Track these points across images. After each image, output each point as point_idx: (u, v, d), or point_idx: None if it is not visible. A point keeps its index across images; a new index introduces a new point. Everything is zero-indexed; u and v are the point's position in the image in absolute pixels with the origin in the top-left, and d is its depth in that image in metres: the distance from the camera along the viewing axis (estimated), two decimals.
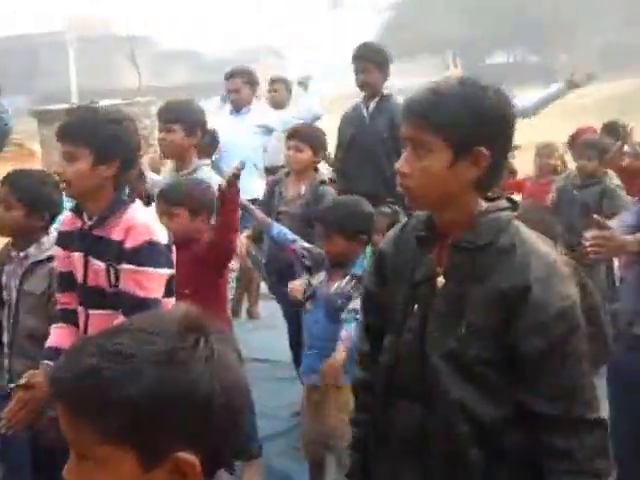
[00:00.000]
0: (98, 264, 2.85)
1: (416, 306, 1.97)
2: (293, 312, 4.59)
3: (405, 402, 1.99)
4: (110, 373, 1.14)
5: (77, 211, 2.95)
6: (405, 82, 7.94)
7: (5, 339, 3.46)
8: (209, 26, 60.80)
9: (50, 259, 3.31)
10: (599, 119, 7.89)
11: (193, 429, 1.16)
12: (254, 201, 5.62)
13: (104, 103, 9.93)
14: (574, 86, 6.22)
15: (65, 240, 3.01)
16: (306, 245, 4.09)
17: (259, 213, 4.37)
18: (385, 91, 5.52)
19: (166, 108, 4.55)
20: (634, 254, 3.20)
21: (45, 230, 3.46)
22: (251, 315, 7.23)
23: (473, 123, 1.83)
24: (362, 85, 5.52)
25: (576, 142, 6.09)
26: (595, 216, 3.25)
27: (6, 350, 3.45)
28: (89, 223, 2.88)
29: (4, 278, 3.48)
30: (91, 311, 2.91)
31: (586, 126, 6.08)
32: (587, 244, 3.13)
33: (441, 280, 1.92)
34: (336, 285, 3.77)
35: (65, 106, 8.71)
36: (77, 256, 2.92)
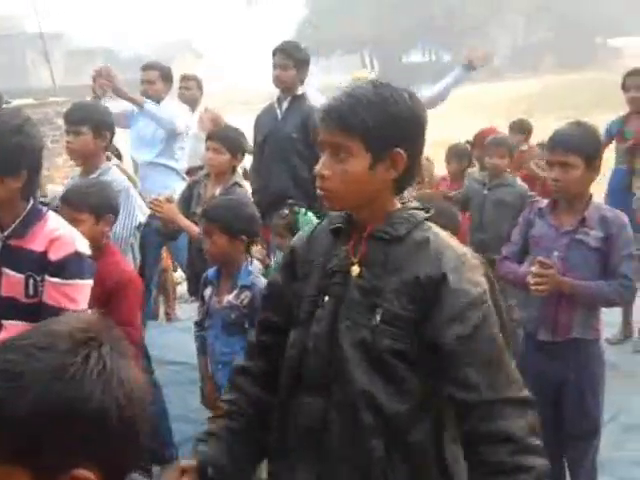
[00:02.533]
0: (14, 275, 2.80)
1: (327, 298, 1.97)
2: None
3: (309, 394, 1.99)
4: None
5: None
6: (322, 80, 7.98)
7: None
8: (124, 23, 59.90)
9: None
10: (506, 118, 8.08)
11: (88, 445, 1.15)
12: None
13: (17, 103, 9.73)
14: (472, 68, 6.31)
15: None
16: None
17: (195, 229, 4.38)
18: (299, 91, 5.55)
19: (72, 110, 4.36)
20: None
21: None
22: (169, 317, 7.19)
23: (390, 126, 1.88)
24: (276, 81, 5.55)
25: (480, 142, 6.09)
26: (539, 258, 3.35)
27: None
28: (4, 234, 2.81)
29: None
30: (5, 322, 2.84)
31: (488, 127, 6.15)
32: (531, 280, 3.29)
33: (356, 269, 1.94)
34: (225, 300, 3.73)
35: None
36: None
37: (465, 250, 1.96)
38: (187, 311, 6.76)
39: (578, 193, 3.36)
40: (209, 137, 4.91)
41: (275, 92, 5.67)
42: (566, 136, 3.33)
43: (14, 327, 2.77)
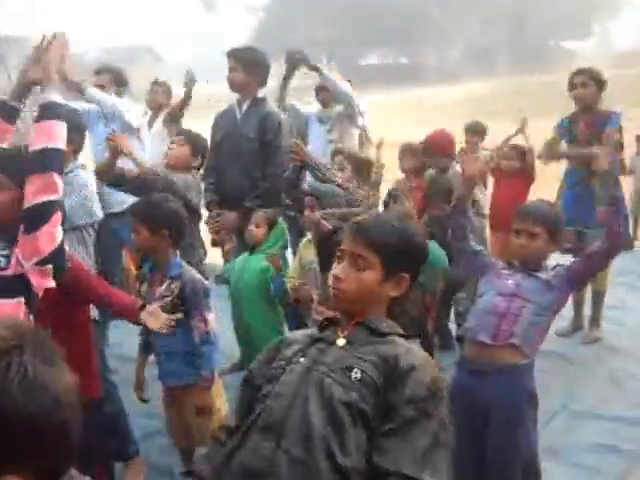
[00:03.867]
0: None
1: (302, 358, 2.20)
2: None
3: (261, 435, 2.08)
4: None
5: None
6: (278, 83, 8.03)
7: None
8: (83, 25, 59.38)
9: None
10: (462, 119, 8.19)
11: (16, 451, 1.16)
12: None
13: None
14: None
15: None
16: None
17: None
18: (259, 94, 5.64)
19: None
20: None
21: None
22: None
23: (404, 253, 2.26)
24: (228, 84, 5.65)
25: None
26: None
27: None
28: None
29: None
30: None
31: (438, 130, 6.11)
32: None
33: (342, 341, 2.22)
34: (157, 291, 3.85)
35: None
36: None
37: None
38: None
39: (537, 262, 3.64)
40: (179, 133, 5.09)
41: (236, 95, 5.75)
42: (536, 210, 3.66)
43: None
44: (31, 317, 2.94)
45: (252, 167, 5.47)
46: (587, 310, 6.55)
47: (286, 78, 6.52)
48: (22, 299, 2.88)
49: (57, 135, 2.84)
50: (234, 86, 5.62)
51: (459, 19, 45.57)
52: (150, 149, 6.70)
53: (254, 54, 5.71)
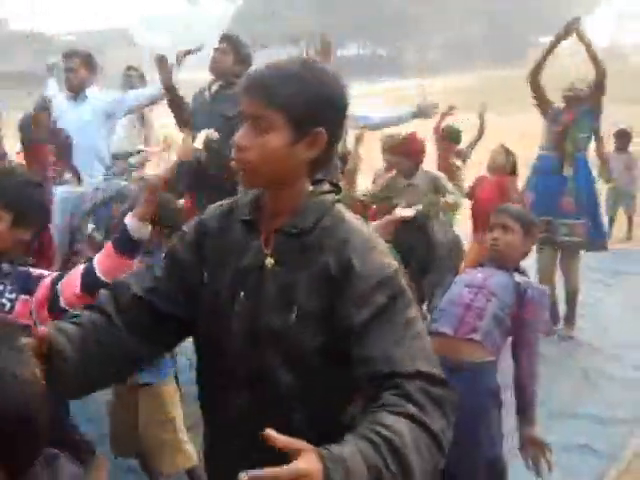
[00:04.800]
0: None
1: (242, 293, 1.92)
2: None
3: (234, 391, 1.94)
4: None
5: None
6: None
7: None
8: (55, 6, 58.84)
9: None
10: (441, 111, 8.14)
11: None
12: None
13: None
14: (422, 116, 6.64)
15: None
16: None
17: None
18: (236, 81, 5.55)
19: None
20: None
21: None
22: None
23: (315, 105, 1.84)
24: (213, 64, 5.59)
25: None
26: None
27: None
28: None
29: None
30: None
31: (412, 133, 6.07)
32: None
33: (270, 261, 1.90)
34: None
35: None
36: None
37: (373, 234, 1.93)
38: None
39: (510, 258, 3.58)
40: None
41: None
42: (511, 207, 3.74)
43: None
44: None
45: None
46: (562, 308, 6.55)
47: None
48: None
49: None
50: (219, 70, 5.54)
51: (439, 12, 45.64)
52: (120, 136, 6.62)
53: (245, 47, 5.67)
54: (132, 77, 7.49)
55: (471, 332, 3.37)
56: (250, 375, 1.90)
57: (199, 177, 5.15)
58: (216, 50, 5.53)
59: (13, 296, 2.80)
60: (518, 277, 3.51)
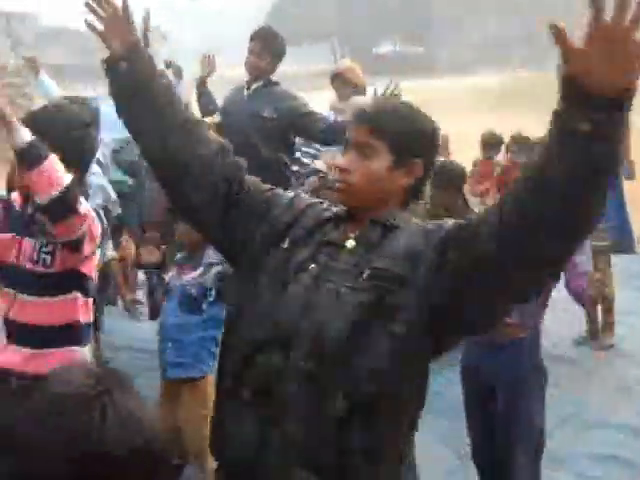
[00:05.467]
0: (29, 241, 2.87)
1: (313, 265, 2.01)
2: None
3: (269, 348, 1.98)
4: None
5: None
6: (291, 68, 7.94)
7: None
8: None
9: None
10: (475, 111, 8.10)
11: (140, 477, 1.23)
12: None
13: None
14: None
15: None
16: None
17: None
18: (273, 78, 5.49)
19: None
20: None
21: None
22: (127, 305, 7.14)
23: (414, 137, 2.09)
24: (249, 67, 5.48)
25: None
26: None
27: None
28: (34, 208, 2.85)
29: None
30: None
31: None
32: None
33: (351, 242, 2.04)
34: (190, 276, 3.79)
35: None
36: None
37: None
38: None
39: None
40: None
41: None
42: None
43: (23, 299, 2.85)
44: (90, 305, 2.98)
45: (261, 150, 5.23)
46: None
47: None
48: (78, 293, 2.89)
49: (56, 175, 2.60)
50: (254, 71, 5.47)
51: (474, 12, 45.52)
52: None
53: (278, 38, 5.56)
54: (169, 72, 7.52)
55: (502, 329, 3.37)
56: (292, 333, 1.95)
57: None
58: (250, 51, 5.46)
59: (50, 249, 2.83)
60: None
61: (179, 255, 3.98)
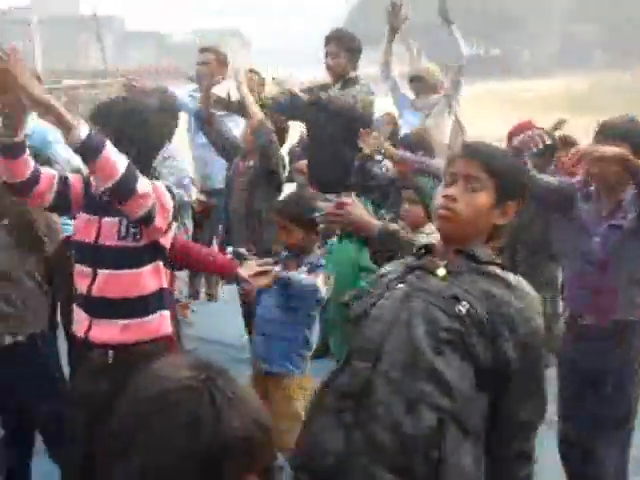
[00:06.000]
0: (110, 220, 2.96)
1: (401, 284, 2.15)
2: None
3: (358, 357, 2.08)
4: (156, 451, 1.23)
5: None
6: (370, 69, 7.95)
7: None
8: (175, 7, 60.30)
9: None
10: (546, 114, 7.99)
11: (246, 461, 1.27)
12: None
13: (69, 83, 9.90)
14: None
15: None
16: None
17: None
18: (351, 74, 5.49)
19: None
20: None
21: None
22: (210, 297, 7.13)
23: (517, 181, 2.26)
24: (328, 69, 5.55)
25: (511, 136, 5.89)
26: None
27: None
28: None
29: None
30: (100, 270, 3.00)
31: (525, 121, 5.92)
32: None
33: (442, 270, 2.15)
34: (293, 274, 3.76)
35: None
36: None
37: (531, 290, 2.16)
38: (227, 290, 6.76)
39: (616, 181, 3.39)
40: None
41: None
42: (615, 127, 3.41)
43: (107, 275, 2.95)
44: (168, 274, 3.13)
45: (345, 152, 5.30)
46: None
47: (389, 41, 6.50)
48: (160, 262, 3.02)
49: (113, 165, 2.73)
50: (334, 70, 5.51)
51: (553, 12, 44.75)
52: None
53: (356, 40, 5.60)
54: (252, 81, 7.39)
55: (611, 314, 3.37)
56: (381, 345, 2.05)
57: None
58: (327, 54, 5.49)
59: (136, 229, 2.95)
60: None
61: (285, 253, 3.96)
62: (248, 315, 4.71)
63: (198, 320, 6.05)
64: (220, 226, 5.89)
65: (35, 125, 4.13)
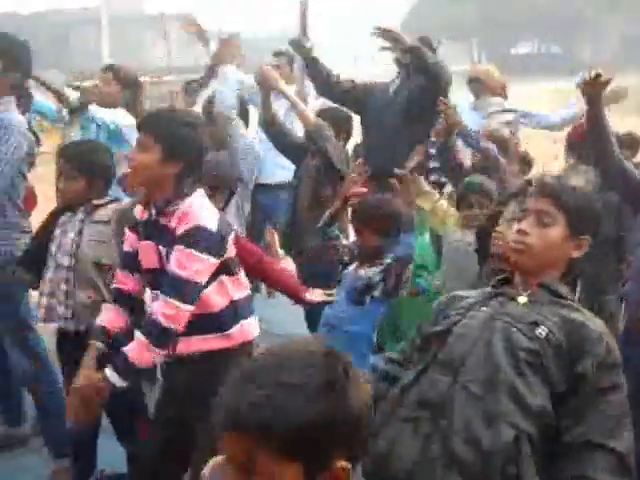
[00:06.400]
0: (162, 250, 3.06)
1: (484, 307, 2.30)
2: None
3: (440, 370, 2.19)
4: (284, 403, 1.28)
5: (146, 204, 3.14)
6: None
7: (66, 262, 3.63)
8: (242, 6, 60.56)
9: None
10: (615, 113, 7.98)
11: (347, 442, 1.34)
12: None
13: None
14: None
15: (136, 228, 3.21)
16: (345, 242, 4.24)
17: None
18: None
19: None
20: None
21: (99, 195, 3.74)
22: (271, 292, 7.22)
23: (589, 216, 2.36)
24: (396, 62, 5.68)
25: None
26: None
27: (65, 275, 3.63)
28: (154, 214, 3.09)
29: (57, 232, 3.74)
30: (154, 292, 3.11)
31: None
32: None
33: (523, 298, 2.28)
34: (364, 271, 3.83)
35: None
36: (145, 244, 3.13)
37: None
38: None
39: None
40: None
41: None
42: None
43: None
44: (240, 279, 3.22)
45: (404, 140, 5.29)
46: None
47: None
48: (223, 276, 3.10)
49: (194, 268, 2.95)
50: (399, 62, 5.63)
51: (614, 10, 43.88)
52: None
53: (422, 37, 5.67)
54: (279, 67, 7.33)
55: None
56: (462, 360, 2.17)
57: None
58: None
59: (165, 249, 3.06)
60: None
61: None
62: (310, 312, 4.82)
63: (259, 314, 6.17)
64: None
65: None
